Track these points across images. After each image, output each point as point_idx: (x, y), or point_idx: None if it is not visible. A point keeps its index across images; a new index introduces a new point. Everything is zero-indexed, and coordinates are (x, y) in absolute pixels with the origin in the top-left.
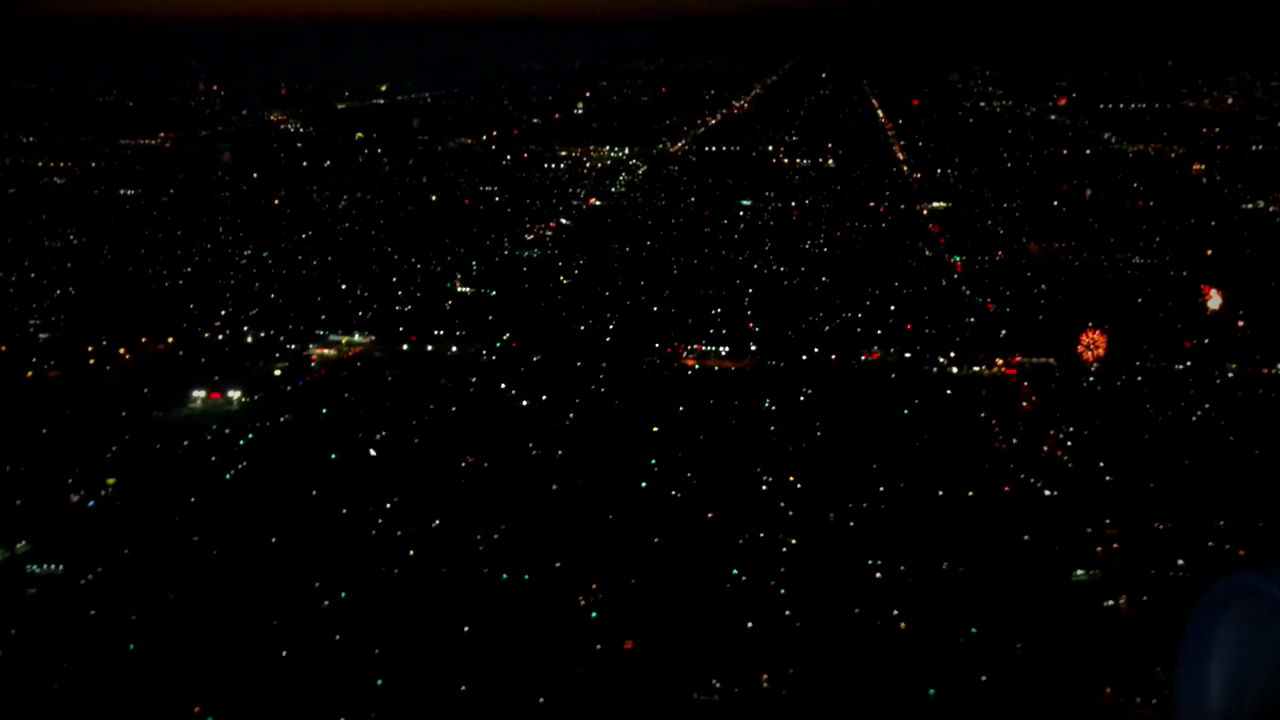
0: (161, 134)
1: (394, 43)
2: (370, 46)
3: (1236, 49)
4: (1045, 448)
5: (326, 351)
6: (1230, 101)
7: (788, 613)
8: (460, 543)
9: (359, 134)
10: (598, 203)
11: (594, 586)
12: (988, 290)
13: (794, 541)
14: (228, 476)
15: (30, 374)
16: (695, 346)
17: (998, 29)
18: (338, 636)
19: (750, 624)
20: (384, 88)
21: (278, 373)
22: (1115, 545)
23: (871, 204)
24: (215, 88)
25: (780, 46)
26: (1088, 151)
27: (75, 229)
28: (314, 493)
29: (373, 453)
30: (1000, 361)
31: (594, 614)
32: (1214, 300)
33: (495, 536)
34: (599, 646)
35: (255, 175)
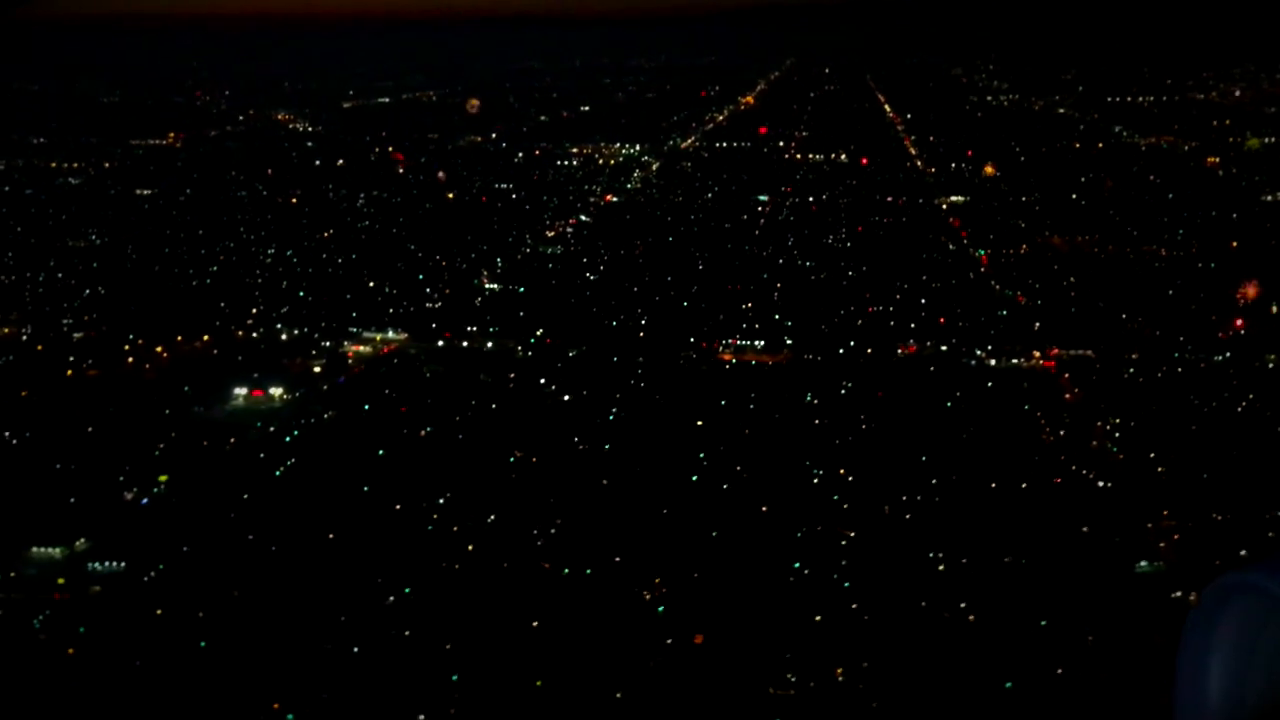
0: (170, 134)
1: (391, 41)
2: (366, 46)
3: (1239, 42)
4: (1093, 439)
5: (361, 348)
6: (1238, 94)
7: (854, 606)
8: (517, 538)
9: (378, 135)
10: (615, 199)
11: (657, 581)
12: (1017, 283)
13: (852, 534)
14: (277, 473)
15: (70, 372)
16: (730, 341)
17: (998, 24)
18: (407, 632)
19: (818, 617)
20: (390, 84)
21: (317, 370)
22: (1176, 537)
23: (889, 198)
24: (219, 88)
25: (780, 43)
26: (1100, 145)
27: (96, 228)
28: (365, 489)
29: (420, 449)
30: (1037, 354)
31: (660, 608)
32: (1248, 291)
33: (552, 532)
34: (669, 641)
35: (269, 174)
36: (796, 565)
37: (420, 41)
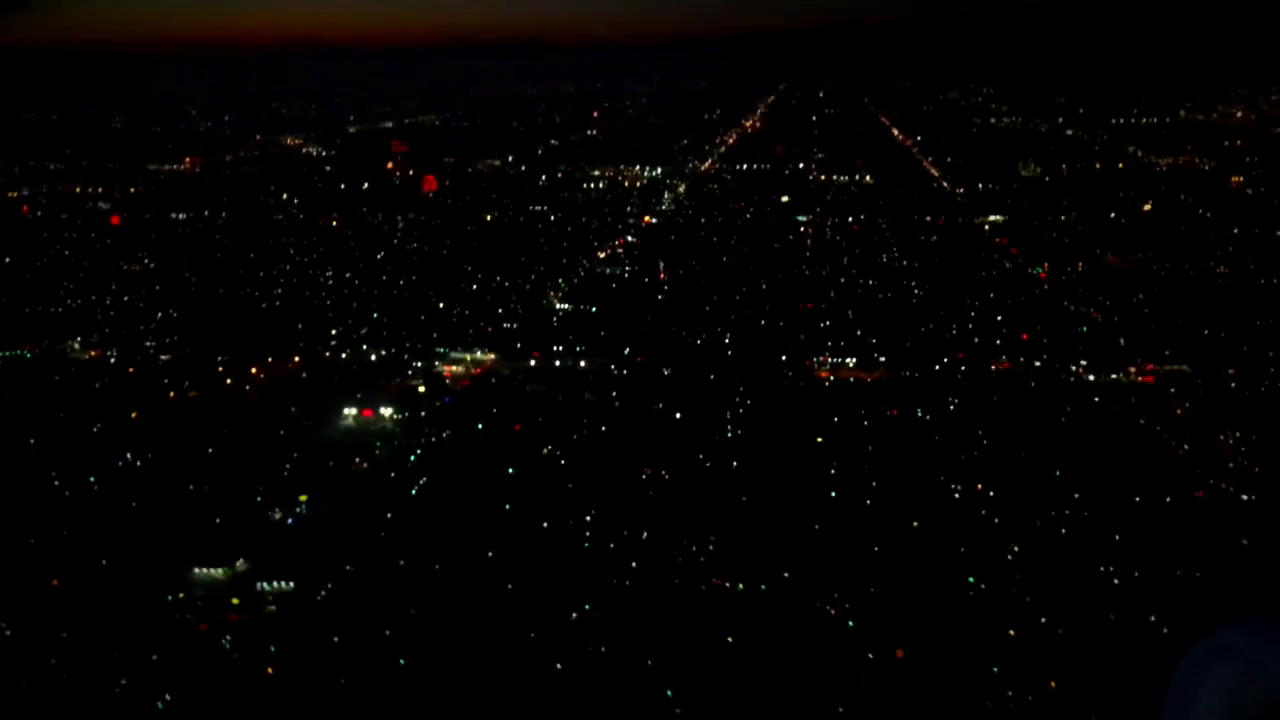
0: (187, 159)
1: (379, 67)
2: (356, 71)
3: (1230, 63)
4: (1223, 453)
5: (455, 368)
6: (1239, 115)
7: (1043, 620)
8: (677, 554)
9: (393, 159)
10: (653, 221)
11: (836, 596)
12: (1084, 300)
13: (1016, 549)
14: (413, 492)
15: (172, 394)
16: (821, 358)
17: (985, 49)
18: (603, 649)
19: (1011, 632)
20: (387, 109)
21: (421, 390)
22: None
23: (927, 218)
24: (219, 114)
25: (768, 67)
26: (1120, 165)
27: (144, 252)
28: (506, 506)
29: (548, 467)
30: (1133, 369)
31: (850, 623)
32: None
33: (710, 547)
34: (870, 655)
35: (300, 198)
36: (971, 580)
37: (410, 67)
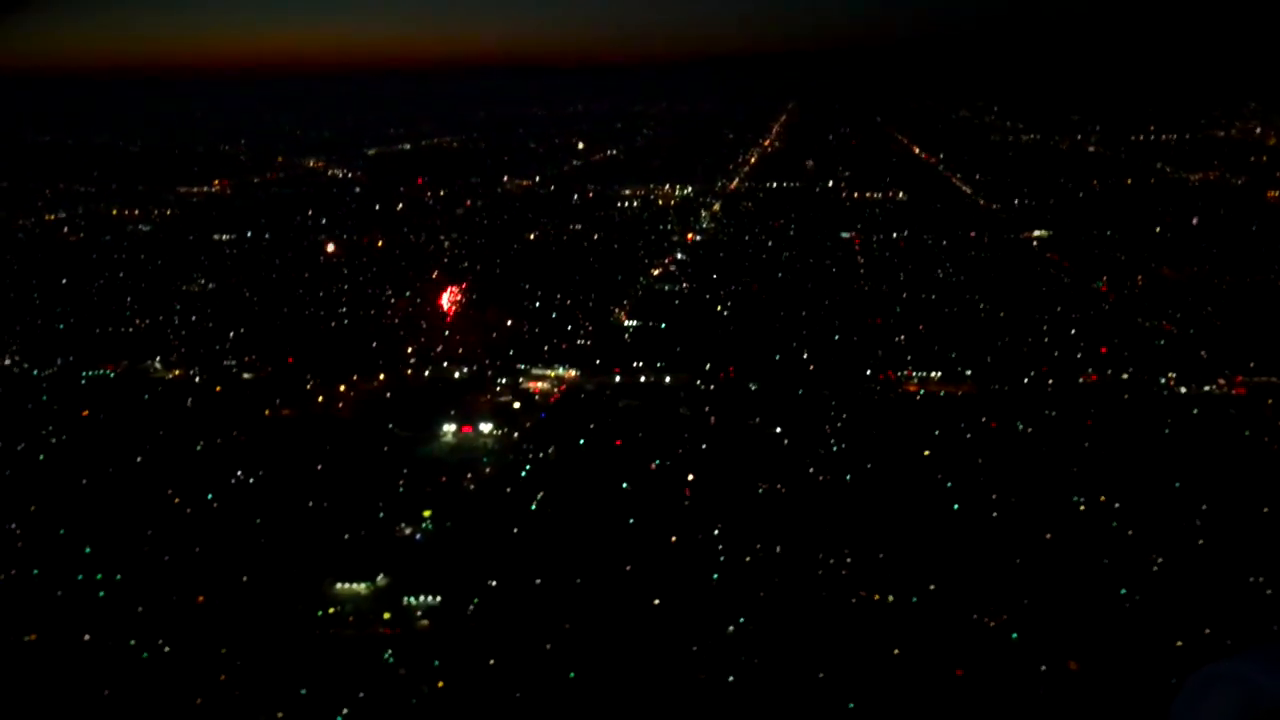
0: (216, 181)
1: (386, 90)
2: (364, 94)
3: (1239, 78)
4: None
5: (540, 385)
6: (1259, 131)
7: (1207, 630)
8: (815, 567)
9: (420, 180)
10: (697, 238)
11: (991, 607)
12: (1154, 313)
13: (1160, 560)
14: (532, 507)
15: (267, 412)
16: (906, 372)
17: (990, 68)
18: (756, 660)
19: (1179, 643)
20: (402, 131)
21: (516, 406)
22: None
23: (971, 234)
24: (235, 137)
25: (775, 88)
26: (1152, 181)
27: (200, 274)
28: (630, 521)
29: (660, 481)
30: (1222, 381)
31: (1014, 635)
32: None
33: (847, 559)
34: (1043, 668)
35: (338, 219)
36: (1123, 591)
37: (415, 91)
